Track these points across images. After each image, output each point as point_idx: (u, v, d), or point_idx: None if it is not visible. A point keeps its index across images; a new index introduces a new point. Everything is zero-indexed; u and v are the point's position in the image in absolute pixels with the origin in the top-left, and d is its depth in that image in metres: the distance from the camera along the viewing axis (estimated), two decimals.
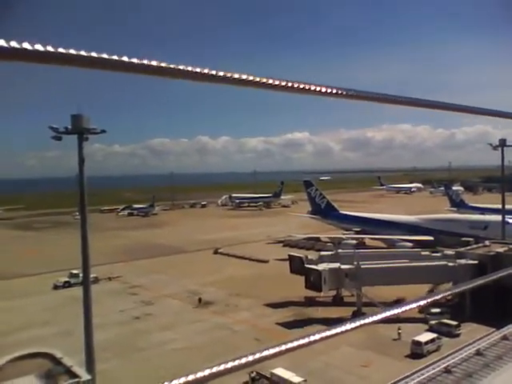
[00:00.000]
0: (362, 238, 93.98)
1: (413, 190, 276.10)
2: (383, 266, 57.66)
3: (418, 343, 44.33)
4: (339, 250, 67.00)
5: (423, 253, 66.11)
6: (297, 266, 61.81)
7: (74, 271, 69.92)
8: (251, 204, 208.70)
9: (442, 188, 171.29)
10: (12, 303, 63.13)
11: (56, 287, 70.62)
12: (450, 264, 57.31)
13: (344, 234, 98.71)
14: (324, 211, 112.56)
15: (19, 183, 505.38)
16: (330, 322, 50.87)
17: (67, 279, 71.19)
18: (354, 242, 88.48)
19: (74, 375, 27.21)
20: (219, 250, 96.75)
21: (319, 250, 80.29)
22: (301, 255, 64.45)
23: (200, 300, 60.00)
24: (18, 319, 56.21)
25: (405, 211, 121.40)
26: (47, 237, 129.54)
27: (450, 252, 62.07)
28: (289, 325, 51.95)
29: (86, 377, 27.14)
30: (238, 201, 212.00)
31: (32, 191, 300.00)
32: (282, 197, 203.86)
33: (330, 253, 66.58)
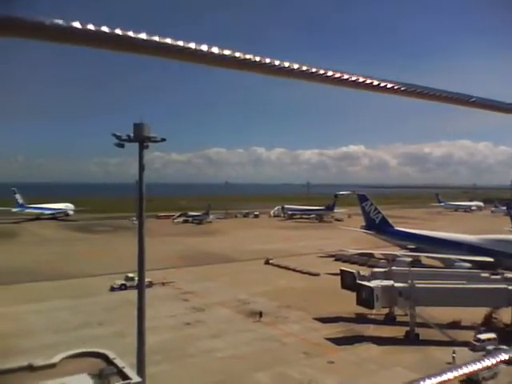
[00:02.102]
0: (418, 256, 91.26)
1: (473, 208, 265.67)
2: (439, 286, 55.72)
3: None
4: (393, 267, 65.36)
5: (482, 274, 63.32)
6: (348, 281, 60.79)
7: (130, 274, 72.08)
8: (303, 216, 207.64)
9: (504, 208, 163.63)
10: (73, 302, 65.97)
11: (113, 289, 72.95)
12: (511, 287, 54.63)
13: (399, 251, 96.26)
14: (378, 226, 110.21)
15: (82, 188, 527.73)
16: (382, 341, 49.92)
17: (123, 282, 73.36)
18: (409, 259, 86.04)
19: (125, 376, 27.90)
20: (270, 261, 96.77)
21: (372, 267, 78.72)
22: (353, 270, 63.35)
23: (261, 314, 58.90)
24: (76, 318, 58.60)
25: (464, 230, 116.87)
26: (106, 240, 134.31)
27: (511, 275, 59.21)
28: (338, 341, 51.08)
29: (136, 379, 27.75)
30: (290, 212, 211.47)
31: (94, 196, 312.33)
32: (336, 210, 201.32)
33: (383, 269, 65.08)
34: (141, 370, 32.85)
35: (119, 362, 29.47)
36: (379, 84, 3.29)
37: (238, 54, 2.77)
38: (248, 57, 2.79)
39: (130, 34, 2.48)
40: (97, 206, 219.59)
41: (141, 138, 35.64)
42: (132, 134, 35.82)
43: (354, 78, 3.17)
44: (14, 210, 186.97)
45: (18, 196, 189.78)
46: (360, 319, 57.87)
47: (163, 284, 76.16)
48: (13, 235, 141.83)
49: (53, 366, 29.71)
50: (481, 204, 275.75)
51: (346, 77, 3.15)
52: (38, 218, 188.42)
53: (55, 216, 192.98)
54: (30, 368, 29.10)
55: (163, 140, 37.42)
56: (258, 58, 2.83)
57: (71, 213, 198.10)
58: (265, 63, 2.84)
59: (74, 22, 2.35)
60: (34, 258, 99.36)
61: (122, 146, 36.63)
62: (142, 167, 35.97)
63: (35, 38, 2.29)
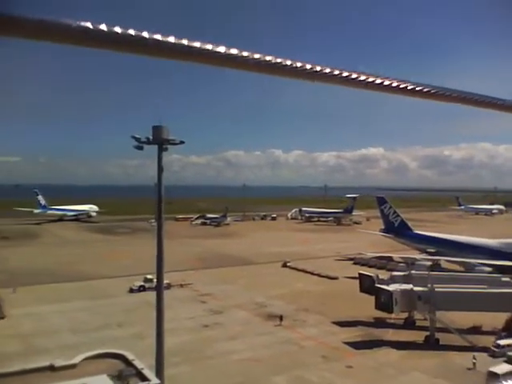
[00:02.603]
0: (438, 260, 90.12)
1: (494, 211, 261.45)
2: (459, 290, 54.92)
3: (495, 375, 41.57)
4: (412, 271, 64.63)
5: (503, 279, 62.27)
6: (367, 285, 60.32)
7: (149, 276, 72.65)
8: (321, 219, 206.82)
9: None
10: (92, 303, 66.77)
11: (132, 290, 73.55)
12: None
13: (418, 255, 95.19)
14: (397, 230, 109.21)
15: (102, 189, 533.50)
16: (401, 346, 49.38)
17: (142, 283, 73.93)
18: (429, 263, 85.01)
19: (144, 378, 28.12)
20: (288, 264, 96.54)
21: (391, 270, 78.01)
22: (371, 274, 62.87)
23: (281, 318, 58.41)
24: (96, 319, 59.24)
25: (485, 234, 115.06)
26: (125, 242, 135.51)
27: None
28: (357, 345, 50.71)
29: (155, 380, 27.95)
30: (307, 215, 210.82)
31: (113, 197, 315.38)
32: (354, 213, 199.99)
33: (402, 273, 64.43)
34: (159, 372, 33.09)
35: (138, 364, 29.78)
36: (395, 84, 3.25)
37: (246, 54, 2.78)
38: (257, 56, 2.79)
39: (138, 34, 2.50)
40: (116, 207, 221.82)
41: (160, 141, 35.98)
42: (151, 137, 36.17)
43: (371, 80, 3.15)
44: (37, 211, 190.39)
45: (40, 197, 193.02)
46: (379, 323, 57.37)
47: (181, 286, 76.53)
48: (35, 236, 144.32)
49: (73, 366, 30.17)
50: (502, 207, 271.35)
51: (362, 78, 3.13)
52: (61, 219, 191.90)
53: (78, 217, 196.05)
54: (52, 368, 29.57)
55: (182, 142, 37.67)
56: (268, 58, 2.83)
57: (94, 214, 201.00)
58: (275, 63, 2.84)
59: (80, 21, 2.38)
60: (55, 260, 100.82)
61: (141, 148, 36.99)
62: (160, 169, 36.28)
63: (37, 39, 2.32)
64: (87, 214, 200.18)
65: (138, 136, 36.70)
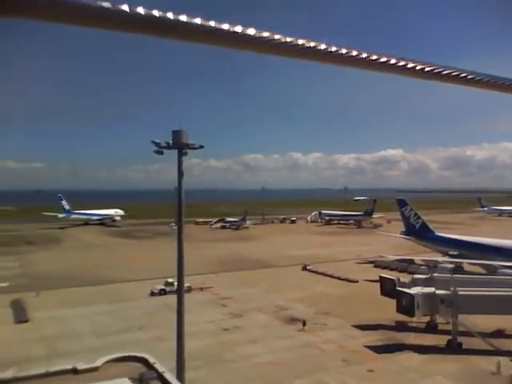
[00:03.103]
0: (460, 263, 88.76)
1: None
2: (483, 293, 53.97)
3: None
4: (434, 274, 63.78)
5: None
6: (388, 288, 59.68)
7: (170, 280, 73.18)
8: (341, 221, 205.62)
9: None
10: (114, 307, 67.51)
11: (152, 294, 74.08)
12: None
13: (441, 258, 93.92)
14: (418, 232, 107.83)
15: (123, 194, 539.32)
16: (423, 350, 48.74)
17: (163, 287, 74.41)
18: (451, 266, 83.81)
19: (165, 381, 28.27)
20: (308, 267, 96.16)
21: (412, 273, 77.06)
22: (393, 277, 62.19)
23: (304, 323, 57.70)
24: (117, 322, 59.86)
25: (508, 236, 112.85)
26: (146, 245, 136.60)
27: None
28: (378, 349, 50.19)
29: (176, 383, 28.16)
30: (327, 218, 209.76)
31: (134, 202, 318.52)
32: (374, 215, 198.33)
33: (424, 276, 63.58)
34: (180, 375, 33.25)
35: (159, 367, 29.92)
36: (416, 67, 3.12)
37: (251, 32, 2.74)
38: (265, 35, 2.75)
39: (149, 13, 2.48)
40: (137, 212, 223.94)
41: (179, 145, 36.27)
42: (171, 141, 36.49)
43: (393, 61, 3.03)
44: (61, 215, 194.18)
45: (64, 202, 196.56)
46: (400, 327, 56.75)
47: (201, 289, 76.83)
48: (58, 241, 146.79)
49: (95, 369, 30.45)
50: None
51: (374, 57, 2.98)
52: (86, 223, 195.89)
53: (102, 222, 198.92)
54: (74, 371, 29.90)
55: (201, 147, 37.93)
56: (276, 36, 2.78)
57: (118, 218, 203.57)
58: (281, 42, 2.78)
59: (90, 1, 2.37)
60: (77, 264, 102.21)
61: (161, 153, 37.35)
62: (180, 174, 36.57)
63: (49, 19, 2.34)
64: (111, 218, 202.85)
65: (157, 141, 37.06)
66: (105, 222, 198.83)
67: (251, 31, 2.72)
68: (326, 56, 2.90)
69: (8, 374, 29.30)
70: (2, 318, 61.26)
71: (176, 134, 36.27)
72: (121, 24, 2.42)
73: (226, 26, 2.65)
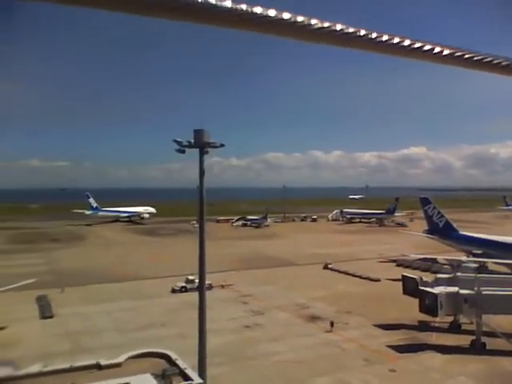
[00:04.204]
0: (484, 262, 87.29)
1: None
2: (507, 293, 53.01)
3: None
4: (458, 274, 62.87)
5: None
6: (410, 287, 59.02)
7: (190, 277, 73.72)
8: (363, 220, 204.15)
9: None
10: (136, 303, 68.37)
11: (174, 291, 74.74)
12: None
13: (464, 257, 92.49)
14: (442, 231, 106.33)
15: (146, 192, 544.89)
16: (446, 350, 48.13)
17: (184, 284, 75.02)
18: (475, 265, 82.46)
19: (186, 377, 28.57)
20: (329, 266, 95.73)
21: (435, 272, 76.14)
22: (415, 276, 61.46)
23: (332, 324, 56.76)
24: (140, 319, 60.60)
25: None
26: (168, 243, 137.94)
27: None
28: (400, 348, 49.72)
29: (197, 380, 28.35)
30: (349, 216, 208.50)
31: (157, 200, 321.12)
32: (396, 214, 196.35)
33: (447, 276, 62.70)
34: (202, 372, 33.49)
35: (181, 363, 30.31)
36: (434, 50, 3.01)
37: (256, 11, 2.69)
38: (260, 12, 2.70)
39: None
40: (159, 210, 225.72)
41: (201, 144, 36.43)
42: (192, 140, 36.70)
43: (407, 43, 2.92)
44: (88, 212, 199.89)
45: (91, 200, 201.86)
46: (423, 327, 56.14)
47: (222, 287, 77.17)
48: (83, 238, 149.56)
49: (118, 365, 31.01)
50: None
51: (385, 38, 2.88)
52: (117, 220, 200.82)
53: (131, 219, 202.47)
54: (98, 366, 30.49)
55: (222, 145, 38.04)
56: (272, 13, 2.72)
57: (146, 216, 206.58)
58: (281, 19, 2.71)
59: None
60: (101, 261, 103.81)
61: (182, 151, 37.56)
62: (202, 172, 36.76)
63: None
64: (139, 215, 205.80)
65: (179, 140, 37.30)
66: (133, 219, 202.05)
67: (272, 12, 2.70)
68: (347, 39, 2.85)
69: (35, 368, 30.05)
70: (28, 313, 62.63)
71: (197, 133, 36.44)
72: (130, 4, 2.42)
73: (238, 6, 2.63)
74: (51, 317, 61.72)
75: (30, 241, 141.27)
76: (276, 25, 2.70)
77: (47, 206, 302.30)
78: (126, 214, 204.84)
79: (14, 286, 61.15)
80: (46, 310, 63.57)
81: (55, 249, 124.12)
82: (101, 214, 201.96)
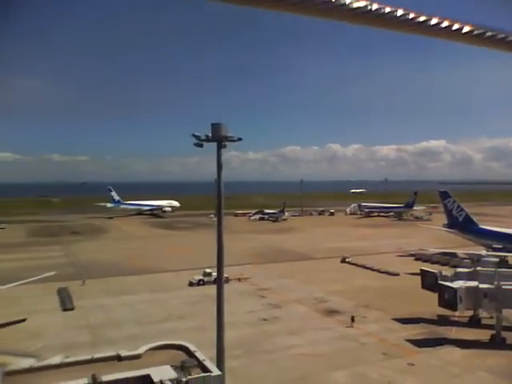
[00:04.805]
0: (505, 256, 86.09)
1: None
2: None
3: None
4: (478, 268, 62.12)
5: None
6: (429, 281, 58.53)
7: (208, 270, 74.32)
8: (381, 214, 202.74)
9: None
10: (155, 296, 69.20)
11: (191, 284, 75.35)
12: None
13: (484, 251, 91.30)
14: (461, 225, 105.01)
15: (164, 186, 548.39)
16: (465, 345, 47.70)
17: (201, 277, 75.56)
18: (496, 259, 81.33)
19: (205, 369, 28.89)
20: (347, 259, 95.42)
21: (455, 267, 75.34)
22: (434, 271, 60.94)
23: (353, 319, 56.01)
24: (159, 311, 61.29)
25: None
26: (187, 236, 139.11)
27: None
28: (419, 343, 49.41)
29: (216, 372, 28.64)
30: (367, 210, 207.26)
31: (175, 194, 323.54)
32: (415, 207, 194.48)
33: (467, 270, 62.03)
34: (220, 364, 33.77)
35: (200, 355, 30.62)
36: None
37: None
38: None
39: None
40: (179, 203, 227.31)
41: (218, 138, 36.52)
42: (210, 134, 36.81)
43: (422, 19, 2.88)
44: (109, 205, 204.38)
45: (113, 193, 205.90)
46: (442, 321, 55.69)
47: (239, 280, 77.49)
48: (103, 231, 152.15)
49: (138, 356, 31.48)
50: None
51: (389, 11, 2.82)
52: (140, 213, 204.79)
53: (153, 212, 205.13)
54: (118, 358, 30.97)
55: (240, 139, 38.07)
56: None
57: (168, 209, 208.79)
58: None
59: None
60: (120, 254, 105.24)
61: (200, 145, 37.69)
62: (219, 166, 36.88)
63: None
64: (161, 208, 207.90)
65: (197, 134, 37.45)
66: (155, 213, 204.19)
67: None
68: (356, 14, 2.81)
69: (57, 359, 30.66)
70: (50, 305, 63.84)
71: (215, 127, 36.53)
72: None
73: None
74: (72, 309, 62.77)
75: (52, 234, 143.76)
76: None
77: (68, 200, 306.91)
78: (147, 208, 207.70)
79: (36, 278, 62.22)
80: (67, 302, 64.68)
81: (76, 241, 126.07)
82: (123, 207, 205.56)
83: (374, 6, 2.76)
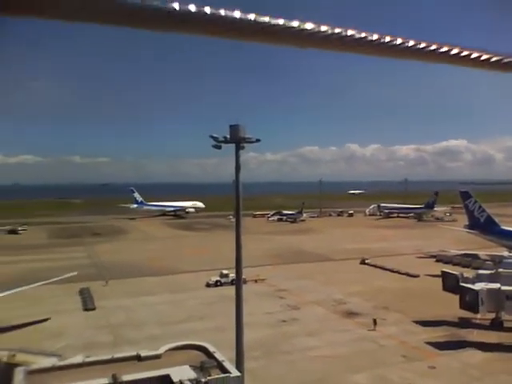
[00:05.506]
0: None
1: None
2: None
3: None
4: (500, 270, 61.15)
5: None
6: (450, 283, 57.86)
7: (225, 271, 74.67)
8: (401, 215, 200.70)
9: None
10: (174, 297, 69.75)
11: (208, 285, 75.66)
12: None
13: (507, 252, 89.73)
14: (483, 226, 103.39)
15: (183, 187, 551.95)
16: (487, 348, 46.95)
17: (218, 278, 75.86)
18: None
19: (224, 370, 28.98)
20: (366, 261, 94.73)
21: (476, 268, 74.29)
22: (455, 272, 60.26)
23: (375, 322, 55.20)
24: (178, 312, 61.69)
25: None
26: (205, 237, 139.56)
27: None
28: (440, 345, 48.82)
29: (235, 373, 28.72)
30: (387, 211, 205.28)
31: (193, 195, 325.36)
32: (436, 208, 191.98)
33: (489, 272, 61.16)
34: (239, 365, 33.86)
35: (219, 356, 30.72)
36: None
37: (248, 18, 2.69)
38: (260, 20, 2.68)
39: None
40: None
41: (237, 139, 36.65)
42: (228, 136, 36.96)
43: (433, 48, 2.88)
44: (132, 206, 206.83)
45: (136, 194, 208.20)
46: (463, 324, 54.92)
47: (256, 281, 77.33)
48: (123, 232, 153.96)
49: (158, 356, 31.72)
50: None
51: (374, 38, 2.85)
52: (164, 214, 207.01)
53: (176, 213, 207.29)
54: (138, 358, 31.26)
55: (258, 141, 38.15)
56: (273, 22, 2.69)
57: (192, 210, 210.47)
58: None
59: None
60: (140, 255, 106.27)
61: (219, 147, 37.87)
62: (238, 167, 37.00)
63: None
64: (184, 209, 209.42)
65: (215, 135, 37.63)
66: (178, 214, 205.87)
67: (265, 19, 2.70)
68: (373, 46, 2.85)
69: (78, 358, 31.08)
70: (71, 305, 64.76)
71: (233, 129, 36.67)
72: (130, 18, 2.46)
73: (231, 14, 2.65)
74: (93, 309, 63.57)
75: (73, 235, 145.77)
76: (284, 33, 2.75)
77: (90, 201, 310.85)
78: (171, 209, 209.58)
79: (58, 278, 63.24)
80: (88, 303, 65.53)
81: (97, 242, 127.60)
82: (146, 208, 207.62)
83: (375, 36, 2.81)
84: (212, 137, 37.70)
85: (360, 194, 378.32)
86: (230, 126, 36.90)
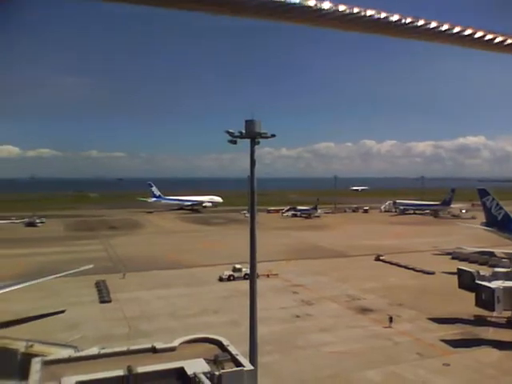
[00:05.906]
0: None
1: None
2: None
3: None
4: None
5: None
6: (466, 281, 57.30)
7: (237, 266, 75.07)
8: (417, 211, 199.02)
9: None
10: (189, 290, 70.35)
11: (221, 279, 76.03)
12: None
13: None
14: (501, 223, 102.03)
15: (198, 182, 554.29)
16: (503, 346, 46.50)
17: (231, 273, 76.23)
18: None
19: (238, 363, 29.12)
20: (381, 257, 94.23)
21: (493, 266, 73.47)
22: (471, 270, 59.62)
23: (391, 319, 54.69)
24: (193, 305, 62.16)
25: None
26: (220, 232, 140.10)
27: None
28: (455, 343, 48.47)
29: (249, 366, 28.82)
30: (402, 207, 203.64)
31: (209, 189, 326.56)
32: (452, 205, 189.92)
33: (505, 270, 60.44)
34: (253, 359, 34.00)
35: (233, 349, 30.88)
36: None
37: None
38: None
39: None
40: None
41: (252, 135, 36.64)
42: (244, 131, 36.98)
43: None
44: (150, 200, 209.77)
45: (154, 189, 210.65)
46: (479, 322, 54.42)
47: (268, 276, 77.31)
48: (139, 226, 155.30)
49: (173, 349, 31.99)
50: None
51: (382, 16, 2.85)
52: (181, 208, 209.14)
53: (193, 207, 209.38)
54: (153, 350, 31.58)
55: (273, 136, 38.09)
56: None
57: (209, 204, 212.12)
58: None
59: None
60: (155, 248, 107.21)
61: (234, 142, 37.92)
62: (253, 162, 37.00)
63: None
64: (201, 204, 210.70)
65: (231, 130, 37.69)
66: (195, 208, 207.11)
67: None
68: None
69: (94, 350, 31.52)
70: (88, 297, 65.65)
71: (249, 124, 36.67)
72: None
73: None
74: (109, 301, 64.33)
75: (90, 228, 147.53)
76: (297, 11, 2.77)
77: (106, 195, 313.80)
78: (188, 203, 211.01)
79: (75, 271, 64.01)
80: (104, 295, 66.33)
81: (113, 236, 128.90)
82: (164, 202, 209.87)
83: (369, 12, 2.84)
84: (228, 132, 37.78)
85: (363, 190, 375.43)
86: (246, 122, 36.89)
